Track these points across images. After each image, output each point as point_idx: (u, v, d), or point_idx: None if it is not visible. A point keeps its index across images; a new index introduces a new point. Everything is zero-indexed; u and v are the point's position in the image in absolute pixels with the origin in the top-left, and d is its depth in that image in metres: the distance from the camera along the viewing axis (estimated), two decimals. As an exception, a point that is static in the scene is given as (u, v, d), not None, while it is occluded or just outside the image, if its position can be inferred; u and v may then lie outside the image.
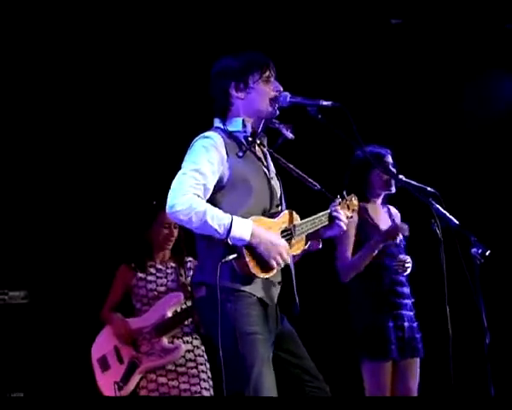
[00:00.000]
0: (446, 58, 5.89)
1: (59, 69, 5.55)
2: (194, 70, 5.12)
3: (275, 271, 3.26)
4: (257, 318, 3.22)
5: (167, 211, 3.18)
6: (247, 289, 3.22)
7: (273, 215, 3.32)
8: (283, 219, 3.33)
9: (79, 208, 5.68)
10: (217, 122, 3.43)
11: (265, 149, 3.50)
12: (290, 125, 3.46)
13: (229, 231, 3.13)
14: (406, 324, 4.41)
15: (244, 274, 3.20)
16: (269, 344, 3.26)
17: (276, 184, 3.45)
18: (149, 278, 4.73)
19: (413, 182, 3.91)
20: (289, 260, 3.29)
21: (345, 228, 3.44)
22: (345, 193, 3.57)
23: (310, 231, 3.40)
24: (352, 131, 3.35)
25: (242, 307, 3.21)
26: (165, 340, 4.60)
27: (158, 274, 4.74)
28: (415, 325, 4.47)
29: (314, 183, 3.53)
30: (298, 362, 3.38)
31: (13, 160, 5.54)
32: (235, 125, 3.38)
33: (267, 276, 3.23)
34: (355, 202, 3.62)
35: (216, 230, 3.13)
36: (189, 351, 4.65)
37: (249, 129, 3.38)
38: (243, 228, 3.15)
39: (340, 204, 3.50)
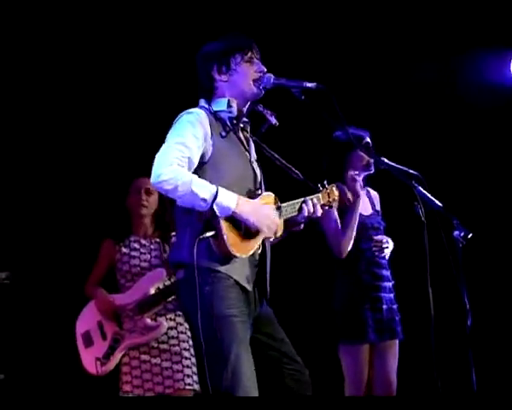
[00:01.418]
0: (431, 41, 5.89)
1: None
2: (178, 50, 5.11)
3: (252, 250, 3.28)
4: (234, 300, 3.23)
5: (152, 181, 3.17)
6: (223, 270, 3.22)
7: (252, 197, 3.33)
8: (264, 200, 3.35)
9: (61, 185, 5.65)
10: (202, 102, 3.44)
11: (248, 136, 3.51)
12: (274, 113, 3.47)
13: (214, 198, 3.14)
14: (385, 306, 4.42)
15: (221, 253, 3.20)
16: (247, 326, 3.26)
17: (256, 168, 3.46)
18: (133, 253, 4.73)
19: (396, 164, 3.91)
20: (278, 223, 3.33)
21: (306, 213, 3.45)
22: (326, 182, 3.60)
23: (291, 215, 3.42)
24: (334, 114, 3.36)
25: (220, 290, 3.21)
26: (147, 317, 4.60)
27: (142, 250, 4.73)
28: (394, 307, 4.48)
29: (296, 172, 3.55)
30: (276, 345, 3.40)
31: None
32: (220, 104, 3.39)
33: (244, 255, 3.24)
34: (336, 191, 3.66)
35: (202, 198, 3.13)
36: (171, 328, 4.64)
37: (234, 110, 3.39)
38: (229, 197, 3.17)
39: (317, 192, 3.54)
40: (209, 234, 3.18)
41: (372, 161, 4.47)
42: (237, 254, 3.21)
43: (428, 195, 3.68)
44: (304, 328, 5.54)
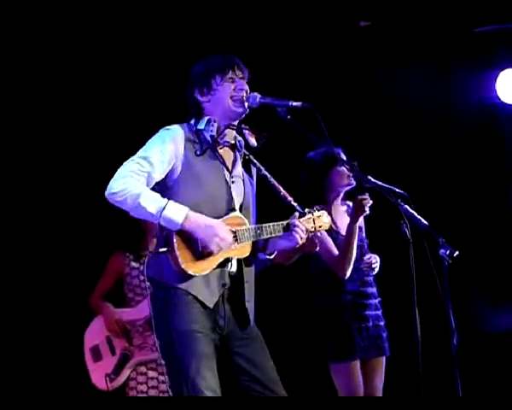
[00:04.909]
0: (414, 61, 5.92)
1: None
2: (168, 68, 5.13)
3: (209, 269, 3.26)
4: (195, 315, 3.24)
5: (105, 193, 3.25)
6: (183, 286, 3.25)
7: (217, 217, 3.30)
8: (229, 221, 3.33)
9: (72, 197, 5.63)
10: (191, 120, 3.47)
11: (238, 153, 3.50)
12: (260, 134, 3.48)
13: (161, 212, 3.18)
14: (371, 323, 4.43)
15: (178, 270, 3.22)
16: (208, 341, 3.26)
17: (237, 188, 3.44)
18: (143, 267, 4.70)
19: (382, 183, 3.91)
20: (231, 243, 3.28)
21: (300, 241, 3.39)
22: (315, 208, 3.53)
23: (257, 238, 3.38)
24: (320, 132, 3.36)
25: (179, 305, 3.24)
26: None
27: None
28: (381, 323, 4.48)
29: (286, 195, 3.50)
30: (249, 369, 3.36)
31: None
32: (201, 123, 3.41)
33: (199, 273, 3.24)
34: (326, 219, 3.56)
35: (150, 212, 3.19)
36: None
37: (214, 128, 3.40)
38: (177, 211, 3.20)
39: (301, 217, 3.45)
40: (162, 250, 3.23)
41: (351, 174, 4.47)
42: (190, 272, 3.22)
43: (414, 213, 3.68)
44: (293, 349, 5.54)
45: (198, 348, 3.20)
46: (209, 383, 3.18)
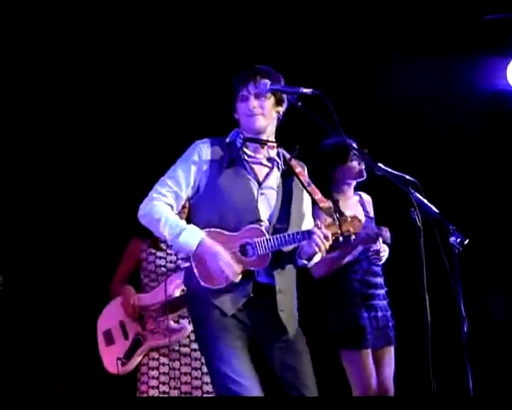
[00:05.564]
0: (425, 49, 5.90)
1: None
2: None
3: (222, 284, 3.37)
4: (215, 318, 3.38)
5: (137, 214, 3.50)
6: (204, 297, 3.40)
7: (237, 229, 3.41)
8: (248, 233, 3.41)
9: (92, 185, 5.74)
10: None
11: (276, 165, 3.57)
12: (292, 150, 3.59)
13: (176, 239, 3.39)
14: (380, 313, 4.46)
15: (199, 282, 3.39)
16: (231, 336, 3.36)
17: (266, 200, 3.51)
18: (159, 253, 4.75)
19: (392, 170, 3.90)
20: (235, 278, 3.37)
21: (317, 249, 3.42)
22: (344, 213, 3.54)
23: (276, 249, 3.42)
24: (331, 120, 3.36)
25: (202, 310, 3.42)
26: (170, 319, 4.60)
27: (168, 251, 4.76)
28: (388, 313, 4.51)
29: (320, 200, 3.54)
30: (276, 368, 3.47)
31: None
32: (231, 136, 3.58)
33: (215, 287, 3.38)
34: (358, 224, 3.54)
35: (166, 237, 3.41)
36: (193, 331, 4.63)
37: (242, 141, 3.53)
38: (191, 237, 3.38)
39: (325, 222, 3.48)
40: (184, 265, 3.53)
41: (364, 167, 4.47)
42: (207, 286, 3.37)
43: (425, 201, 3.68)
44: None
45: (221, 343, 3.33)
46: (234, 368, 3.27)
